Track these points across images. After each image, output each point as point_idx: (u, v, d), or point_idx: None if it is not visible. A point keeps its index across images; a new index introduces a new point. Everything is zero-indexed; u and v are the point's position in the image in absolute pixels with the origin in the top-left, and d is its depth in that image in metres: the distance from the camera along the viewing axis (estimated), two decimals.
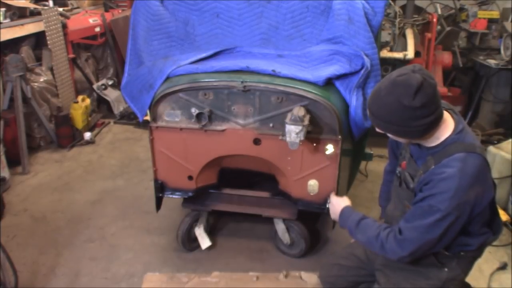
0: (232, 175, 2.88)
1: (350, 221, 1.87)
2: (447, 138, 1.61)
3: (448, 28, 4.55)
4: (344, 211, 1.95)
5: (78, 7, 5.54)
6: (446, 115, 1.64)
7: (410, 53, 4.10)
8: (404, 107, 1.51)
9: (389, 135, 1.69)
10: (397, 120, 1.56)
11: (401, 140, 1.71)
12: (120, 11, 5.89)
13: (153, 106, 2.50)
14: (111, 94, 5.41)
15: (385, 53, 4.12)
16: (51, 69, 4.55)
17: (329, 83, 2.41)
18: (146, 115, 2.67)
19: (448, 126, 1.63)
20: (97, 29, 5.26)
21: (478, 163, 1.56)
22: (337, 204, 2.02)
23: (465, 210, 1.57)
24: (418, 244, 1.63)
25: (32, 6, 4.47)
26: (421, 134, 1.60)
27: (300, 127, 2.17)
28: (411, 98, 1.49)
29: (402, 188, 1.85)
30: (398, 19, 4.20)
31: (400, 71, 1.57)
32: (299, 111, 2.23)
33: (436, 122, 1.58)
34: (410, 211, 1.68)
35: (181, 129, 2.52)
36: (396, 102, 1.52)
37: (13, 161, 3.93)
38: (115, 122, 5.29)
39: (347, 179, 2.92)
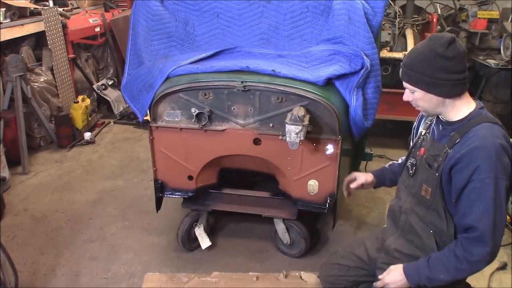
0: (232, 175, 2.89)
1: (421, 271, 1.69)
2: (471, 112, 1.67)
3: (448, 28, 4.55)
4: (406, 270, 1.75)
5: (78, 7, 5.54)
6: (467, 94, 1.72)
7: None
8: (437, 54, 1.60)
9: (417, 95, 1.70)
10: (429, 71, 1.63)
11: (427, 103, 1.70)
12: (120, 11, 5.89)
13: (153, 106, 2.50)
14: (111, 94, 5.42)
15: (385, 53, 4.12)
16: (51, 69, 4.56)
17: (329, 83, 2.41)
18: (146, 115, 2.67)
19: (471, 102, 1.71)
20: (97, 29, 5.27)
21: (504, 131, 1.63)
22: (394, 275, 1.78)
23: (508, 173, 1.57)
24: (496, 228, 1.55)
25: (32, 6, 4.48)
26: (449, 91, 1.64)
27: (300, 127, 2.17)
28: (444, 48, 1.60)
29: (416, 176, 1.83)
30: (398, 19, 4.21)
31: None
32: (299, 111, 2.23)
33: (462, 85, 1.65)
34: (464, 204, 1.61)
35: (181, 129, 2.52)
36: (430, 51, 1.63)
37: (13, 161, 3.93)
38: (115, 122, 5.29)
39: None
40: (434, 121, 1.84)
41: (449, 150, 1.66)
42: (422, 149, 1.84)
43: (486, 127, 1.61)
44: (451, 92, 1.65)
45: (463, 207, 1.62)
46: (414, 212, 1.86)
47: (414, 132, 2.06)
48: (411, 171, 1.87)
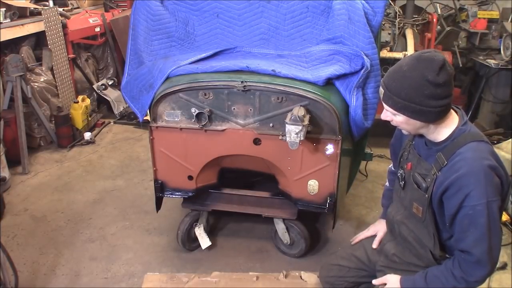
0: (232, 175, 2.88)
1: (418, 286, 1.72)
2: (454, 131, 1.62)
3: (448, 28, 4.56)
4: (404, 285, 1.77)
5: (78, 7, 5.54)
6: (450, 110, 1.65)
7: (410, 53, 4.10)
8: (428, 82, 1.50)
9: (399, 119, 1.63)
10: (417, 98, 1.53)
11: (410, 126, 1.65)
12: (120, 11, 5.89)
13: (153, 106, 2.50)
14: (111, 94, 5.42)
15: (385, 53, 4.12)
16: (51, 69, 4.55)
17: (329, 83, 2.41)
18: (146, 115, 2.67)
19: (453, 119, 1.64)
20: (97, 29, 5.27)
21: (490, 148, 1.58)
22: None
23: (499, 191, 1.54)
24: (492, 250, 1.55)
25: (32, 6, 4.47)
26: (436, 117, 1.58)
27: (300, 127, 2.17)
28: (435, 74, 1.49)
29: (406, 190, 1.82)
30: (398, 19, 4.21)
31: (422, 51, 1.59)
32: (299, 111, 2.23)
33: (448, 108, 1.60)
34: (458, 229, 1.59)
35: (181, 129, 2.52)
36: (420, 77, 1.51)
37: (13, 161, 3.94)
38: (115, 122, 5.29)
39: (347, 179, 2.92)
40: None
41: (437, 173, 1.62)
42: (409, 163, 1.80)
43: (472, 148, 1.55)
44: (438, 117, 1.59)
45: (457, 232, 1.61)
46: (404, 224, 1.86)
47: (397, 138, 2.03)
48: (401, 183, 1.85)
